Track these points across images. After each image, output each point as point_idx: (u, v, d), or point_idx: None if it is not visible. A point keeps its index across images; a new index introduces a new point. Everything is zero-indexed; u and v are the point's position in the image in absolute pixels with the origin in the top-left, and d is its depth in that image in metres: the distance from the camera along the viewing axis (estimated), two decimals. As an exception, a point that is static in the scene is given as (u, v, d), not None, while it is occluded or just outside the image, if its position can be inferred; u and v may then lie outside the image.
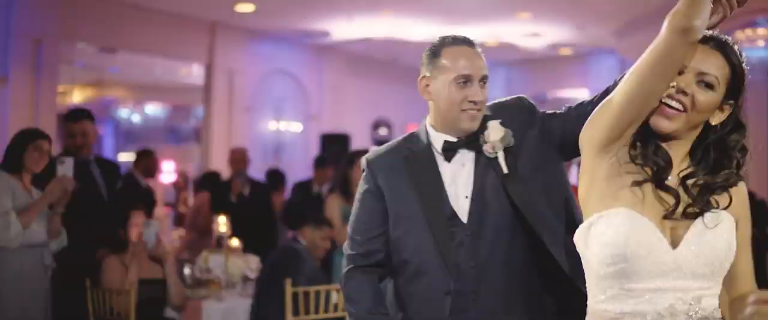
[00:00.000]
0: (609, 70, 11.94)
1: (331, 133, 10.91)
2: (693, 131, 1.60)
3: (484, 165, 2.06)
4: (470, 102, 2.04)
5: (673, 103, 1.56)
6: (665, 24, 1.50)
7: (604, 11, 9.60)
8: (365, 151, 4.96)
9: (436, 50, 2.11)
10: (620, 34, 10.51)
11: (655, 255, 1.49)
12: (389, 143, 2.27)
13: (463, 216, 2.07)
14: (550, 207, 2.05)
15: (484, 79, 2.05)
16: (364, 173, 2.22)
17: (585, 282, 1.63)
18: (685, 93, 1.55)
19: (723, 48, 1.60)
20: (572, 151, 1.98)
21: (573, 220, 2.03)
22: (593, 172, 1.58)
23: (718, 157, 1.60)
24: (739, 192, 1.65)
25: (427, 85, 2.12)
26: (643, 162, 1.57)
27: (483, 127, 2.08)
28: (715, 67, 1.58)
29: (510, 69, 12.93)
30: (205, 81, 10.29)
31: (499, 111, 2.13)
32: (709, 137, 1.60)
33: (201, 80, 10.54)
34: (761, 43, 9.69)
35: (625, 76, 1.59)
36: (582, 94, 12.71)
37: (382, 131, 12.38)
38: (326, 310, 4.18)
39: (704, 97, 1.56)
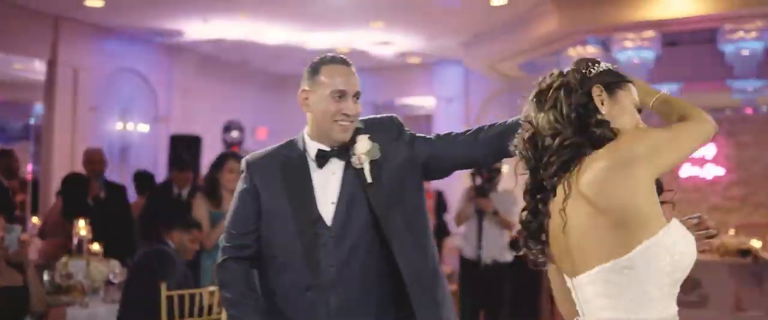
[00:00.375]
0: (454, 79, 12.57)
1: (181, 134, 10.67)
2: None
3: (352, 174, 2.30)
4: (343, 114, 2.28)
5: None
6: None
7: (454, 24, 10.13)
8: (234, 154, 5.02)
9: (316, 67, 2.35)
10: (467, 46, 11.11)
11: None
12: (269, 148, 2.48)
13: (328, 220, 2.28)
14: (404, 218, 2.28)
15: (357, 95, 2.32)
16: (244, 173, 2.42)
17: (423, 292, 2.04)
18: None
19: None
20: (433, 173, 2.38)
21: (423, 233, 2.32)
22: (649, 191, 1.65)
23: None
24: None
25: (307, 98, 2.35)
26: None
27: (353, 139, 2.31)
28: None
29: (360, 75, 13.21)
30: (46, 77, 9.74)
31: (370, 126, 2.37)
32: None
33: (41, 76, 9.98)
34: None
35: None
36: (428, 102, 13.29)
37: (234, 134, 12.26)
38: (200, 314, 4.19)
39: None
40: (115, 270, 4.91)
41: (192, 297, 4.12)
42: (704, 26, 9.52)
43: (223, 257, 2.37)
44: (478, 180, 5.77)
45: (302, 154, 2.36)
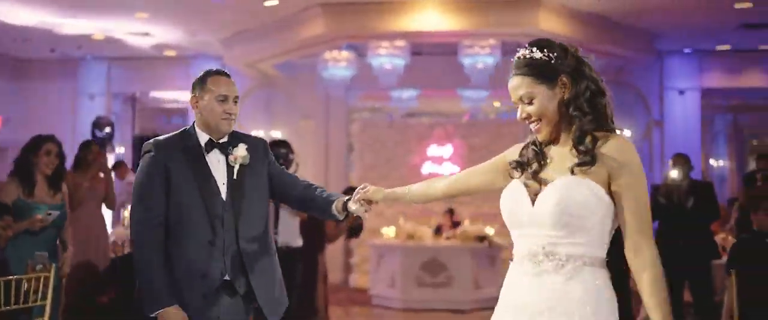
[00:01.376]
0: (211, 75, 12.63)
1: None
2: (557, 124, 2.23)
3: (230, 166, 3.03)
4: (226, 113, 3.00)
5: (532, 125, 2.25)
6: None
7: (218, 21, 10.28)
8: (52, 137, 4.87)
9: (203, 78, 3.04)
10: (228, 43, 11.28)
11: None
12: (169, 135, 3.07)
13: (223, 195, 3.00)
14: (254, 203, 3.05)
15: (235, 99, 3.03)
16: (152, 153, 2.96)
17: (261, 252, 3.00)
18: (527, 116, 2.24)
19: (515, 70, 2.26)
20: (272, 193, 3.15)
21: (263, 219, 3.07)
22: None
23: (566, 126, 2.22)
24: (607, 146, 2.14)
25: (197, 101, 3.03)
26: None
27: (235, 144, 3.02)
28: (518, 89, 2.24)
29: (111, 65, 12.76)
30: None
31: (249, 139, 3.14)
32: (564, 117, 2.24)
33: None
34: (344, 64, 11.30)
35: None
36: (184, 96, 13.15)
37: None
38: (16, 302, 4.04)
39: (531, 108, 2.23)
40: None
41: (12, 283, 3.95)
42: (447, 40, 10.74)
43: (139, 224, 2.91)
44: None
45: (197, 142, 3.01)
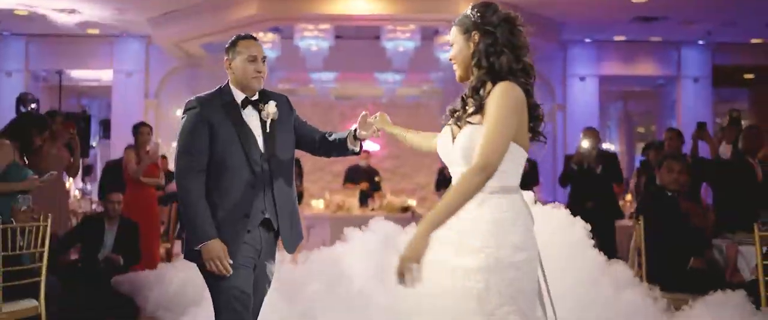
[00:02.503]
0: (135, 54, 12.74)
1: None
2: (472, 71, 2.72)
3: (263, 121, 3.36)
4: (256, 72, 3.31)
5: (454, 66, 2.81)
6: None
7: (148, 0, 10.48)
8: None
9: (234, 42, 3.36)
10: (156, 23, 11.46)
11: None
12: (209, 92, 3.37)
13: (261, 146, 3.32)
14: (284, 152, 3.39)
15: (264, 59, 3.33)
16: (197, 109, 3.27)
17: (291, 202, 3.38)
18: (451, 58, 2.79)
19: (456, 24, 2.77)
20: (297, 143, 3.47)
21: (290, 170, 3.42)
22: None
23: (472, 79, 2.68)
24: (491, 93, 2.54)
25: (230, 63, 3.34)
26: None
27: (266, 101, 3.34)
28: (450, 35, 2.77)
29: (30, 42, 12.64)
30: None
31: (277, 96, 3.43)
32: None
33: None
34: (269, 45, 11.73)
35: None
36: (106, 75, 13.21)
37: None
38: (13, 249, 4.35)
39: (450, 52, 2.78)
40: None
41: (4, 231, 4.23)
42: (371, 24, 11.34)
43: (185, 175, 3.20)
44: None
45: (233, 100, 3.32)
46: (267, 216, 3.28)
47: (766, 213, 5.19)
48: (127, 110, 12.67)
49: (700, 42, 12.75)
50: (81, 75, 13.62)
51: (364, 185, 10.39)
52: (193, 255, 3.18)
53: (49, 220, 4.45)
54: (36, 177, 4.95)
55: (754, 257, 4.56)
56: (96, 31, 12.36)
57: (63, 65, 13.05)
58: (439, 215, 2.40)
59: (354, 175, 10.62)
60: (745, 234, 5.28)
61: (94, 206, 9.88)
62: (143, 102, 12.86)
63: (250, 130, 3.28)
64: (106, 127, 13.57)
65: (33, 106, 11.22)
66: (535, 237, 2.57)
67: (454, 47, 2.73)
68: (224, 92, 3.33)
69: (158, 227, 7.24)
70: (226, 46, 3.36)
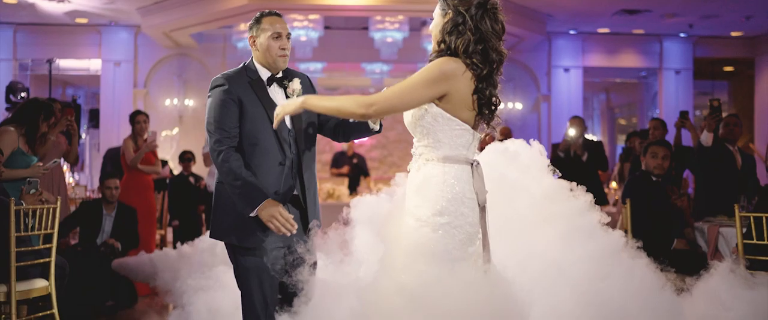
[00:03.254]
0: (124, 44, 12.80)
1: None
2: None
3: (288, 97, 3.32)
4: (281, 49, 3.29)
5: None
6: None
7: (139, -11, 10.57)
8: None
9: (258, 18, 3.32)
10: (147, 12, 11.53)
11: None
12: (234, 70, 3.35)
13: (288, 124, 3.31)
14: (309, 130, 3.38)
15: (288, 36, 3.31)
16: (225, 87, 3.25)
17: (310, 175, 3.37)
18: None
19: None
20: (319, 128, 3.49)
21: (315, 141, 3.43)
22: None
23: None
24: None
25: (254, 40, 3.32)
26: None
27: (290, 78, 3.34)
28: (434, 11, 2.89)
29: (22, 31, 12.65)
30: None
31: (300, 75, 3.42)
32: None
33: None
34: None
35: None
36: (95, 65, 13.24)
37: None
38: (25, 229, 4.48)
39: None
40: None
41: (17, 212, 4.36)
42: (360, 14, 11.49)
43: (221, 150, 3.19)
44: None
45: (258, 77, 3.31)
46: (296, 193, 3.28)
47: (745, 198, 5.44)
48: (116, 99, 12.75)
49: (682, 35, 13.02)
50: (69, 64, 13.63)
51: (345, 169, 10.58)
52: (220, 233, 3.23)
53: (59, 203, 4.58)
54: (40, 164, 5.07)
55: (734, 238, 4.79)
56: (85, 21, 12.41)
57: (51, 54, 13.03)
58: (315, 101, 2.92)
59: (339, 162, 10.80)
60: (726, 218, 5.53)
61: (88, 194, 9.96)
62: (132, 91, 12.92)
63: (276, 106, 3.18)
64: (94, 116, 13.61)
65: (23, 94, 11.27)
66: (469, 206, 2.77)
67: (433, 22, 2.91)
68: (249, 69, 3.31)
69: (154, 213, 7.36)
70: (250, 23, 3.32)
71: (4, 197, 4.33)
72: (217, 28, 12.20)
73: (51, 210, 4.49)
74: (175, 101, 12.94)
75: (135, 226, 6.61)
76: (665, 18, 11.69)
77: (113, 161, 8.08)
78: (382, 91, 2.78)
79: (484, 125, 2.86)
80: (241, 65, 3.37)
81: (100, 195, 6.82)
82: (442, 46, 2.80)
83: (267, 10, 3.36)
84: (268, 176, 3.22)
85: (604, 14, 11.63)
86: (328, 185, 10.21)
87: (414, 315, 2.57)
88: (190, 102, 12.99)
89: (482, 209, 2.79)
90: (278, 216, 3.07)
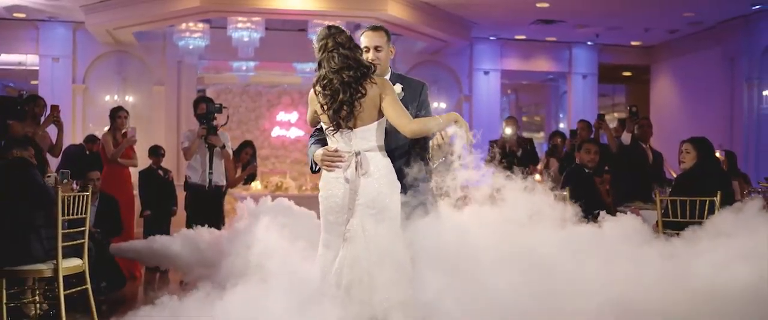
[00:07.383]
0: (61, 40, 12.97)
1: None
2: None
3: None
4: (370, 61, 3.85)
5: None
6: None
7: (87, -13, 10.88)
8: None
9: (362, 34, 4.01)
10: (90, 9, 11.80)
11: None
12: None
13: None
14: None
15: (377, 48, 3.89)
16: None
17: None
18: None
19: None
20: None
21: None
22: None
23: None
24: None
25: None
26: None
27: (394, 83, 3.92)
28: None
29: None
30: None
31: (405, 80, 4.08)
32: None
33: None
34: (199, 34, 12.35)
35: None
36: (31, 59, 13.34)
37: None
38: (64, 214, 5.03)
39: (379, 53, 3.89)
40: None
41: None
42: (301, 18, 12.17)
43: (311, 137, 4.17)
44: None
45: None
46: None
47: (657, 186, 6.61)
48: (55, 94, 12.88)
49: (589, 43, 14.42)
50: (5, 59, 13.66)
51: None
52: None
53: (91, 190, 5.17)
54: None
55: (652, 218, 5.92)
56: (23, 15, 12.51)
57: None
58: None
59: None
60: (641, 203, 6.69)
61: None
62: (71, 86, 13.11)
63: None
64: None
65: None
66: (338, 187, 3.72)
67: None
68: None
69: (134, 204, 7.88)
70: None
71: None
72: (159, 28, 12.58)
73: (82, 197, 5.09)
74: (115, 97, 13.21)
75: (118, 214, 7.15)
76: (576, 28, 13.00)
77: (74, 158, 8.49)
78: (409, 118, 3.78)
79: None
80: None
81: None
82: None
83: (366, 27, 4.01)
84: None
85: (524, 23, 12.80)
86: (275, 178, 10.90)
87: None
88: (130, 98, 13.30)
89: None
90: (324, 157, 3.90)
